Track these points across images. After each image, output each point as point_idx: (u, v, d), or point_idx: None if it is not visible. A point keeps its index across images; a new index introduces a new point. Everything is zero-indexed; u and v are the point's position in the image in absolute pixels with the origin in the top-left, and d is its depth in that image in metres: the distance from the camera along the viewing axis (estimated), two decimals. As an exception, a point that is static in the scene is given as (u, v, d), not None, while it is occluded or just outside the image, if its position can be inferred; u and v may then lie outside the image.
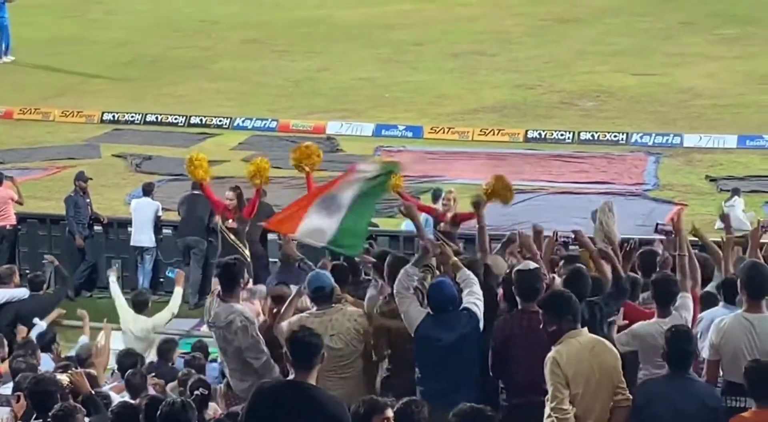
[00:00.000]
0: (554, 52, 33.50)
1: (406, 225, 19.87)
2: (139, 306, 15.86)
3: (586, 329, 8.74)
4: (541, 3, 39.10)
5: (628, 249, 12.18)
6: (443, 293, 10.08)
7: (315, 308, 10.41)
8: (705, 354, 9.38)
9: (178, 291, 15.35)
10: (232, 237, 18.03)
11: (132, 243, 20.90)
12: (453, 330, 9.72)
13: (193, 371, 12.14)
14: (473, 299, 10.03)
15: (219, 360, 11.84)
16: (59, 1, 40.72)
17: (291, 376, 7.97)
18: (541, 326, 8.79)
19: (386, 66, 32.62)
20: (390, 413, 7.87)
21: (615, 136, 27.40)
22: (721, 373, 9.08)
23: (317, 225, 10.68)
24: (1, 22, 33.89)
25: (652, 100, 29.57)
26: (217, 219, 18.91)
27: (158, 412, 8.67)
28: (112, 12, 39.17)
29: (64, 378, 10.81)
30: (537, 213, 20.39)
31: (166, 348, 13.97)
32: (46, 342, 14.34)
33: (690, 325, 9.60)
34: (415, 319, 9.84)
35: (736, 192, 21.85)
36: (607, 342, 8.86)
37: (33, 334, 13.74)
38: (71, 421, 8.77)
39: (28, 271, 17.81)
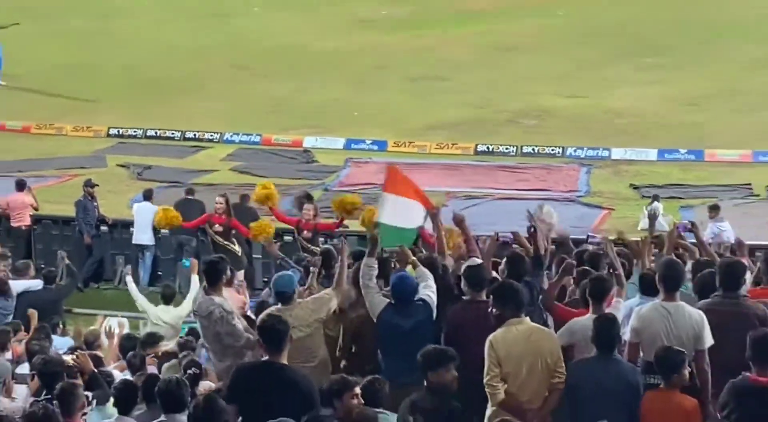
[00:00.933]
0: (500, 77, 33.57)
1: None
2: (168, 298, 15.79)
3: (528, 319, 8.83)
4: (488, 33, 39.19)
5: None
6: (405, 286, 10.17)
7: (279, 305, 10.37)
8: (627, 337, 9.34)
9: (195, 278, 15.23)
10: (219, 238, 18.06)
11: (134, 242, 20.90)
12: (410, 318, 9.74)
13: (186, 352, 12.15)
14: (428, 292, 10.07)
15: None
16: (72, 31, 40.40)
17: (264, 358, 8.32)
18: (489, 311, 8.93)
19: (354, 88, 32.66)
20: (358, 390, 8.12)
21: (552, 150, 27.56)
22: (642, 354, 9.11)
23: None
24: None
25: (584, 118, 29.75)
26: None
27: (156, 388, 8.70)
28: (117, 41, 38.96)
29: (69, 359, 10.83)
30: (485, 216, 20.44)
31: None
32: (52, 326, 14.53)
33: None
34: (378, 307, 9.94)
35: (656, 198, 21.99)
36: (546, 331, 9.04)
37: (58, 345, 13.69)
38: (71, 397, 8.73)
39: (43, 266, 17.77)
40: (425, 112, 30.34)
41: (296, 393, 8.15)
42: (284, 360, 8.49)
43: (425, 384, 8.77)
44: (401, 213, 10.82)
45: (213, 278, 10.45)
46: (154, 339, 12.83)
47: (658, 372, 8.48)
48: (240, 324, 10.06)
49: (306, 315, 10.26)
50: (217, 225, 18.65)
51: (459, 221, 12.36)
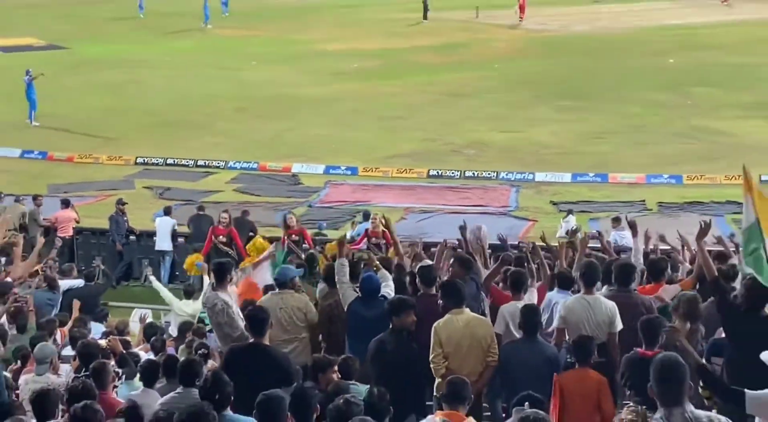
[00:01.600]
0: (447, 117, 33.65)
1: (349, 233, 19.95)
2: (189, 293, 16.02)
3: (467, 310, 9.03)
4: (439, 83, 39.28)
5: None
6: (371, 283, 10.39)
7: (277, 290, 10.64)
8: (555, 324, 9.72)
9: (206, 278, 15.22)
10: (222, 246, 18.06)
11: (156, 248, 20.87)
12: (374, 309, 9.81)
13: (196, 337, 12.21)
14: (388, 290, 10.38)
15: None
16: (107, 82, 40.18)
17: (251, 340, 8.71)
18: (437, 303, 9.30)
19: (333, 126, 32.70)
20: (335, 368, 8.57)
21: (489, 174, 27.41)
22: (567, 337, 9.30)
23: None
24: (31, 96, 33.18)
25: (514, 149, 29.74)
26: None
27: (178, 365, 8.77)
28: (143, 89, 38.85)
29: (103, 342, 10.90)
30: (436, 227, 20.46)
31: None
32: (101, 317, 14.49)
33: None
34: (348, 299, 10.12)
35: (570, 212, 22.11)
36: (482, 319, 9.33)
37: (95, 332, 13.69)
38: (104, 373, 8.79)
39: (83, 268, 17.68)
40: (388, 144, 30.34)
41: (276, 367, 8.30)
42: (266, 342, 8.77)
43: (390, 326, 9.20)
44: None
45: (220, 276, 10.52)
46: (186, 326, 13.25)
47: (573, 355, 8.55)
48: (238, 317, 10.04)
49: (294, 302, 10.29)
50: (221, 237, 18.73)
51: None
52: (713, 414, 6.03)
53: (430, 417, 7.58)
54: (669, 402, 5.76)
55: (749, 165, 23.01)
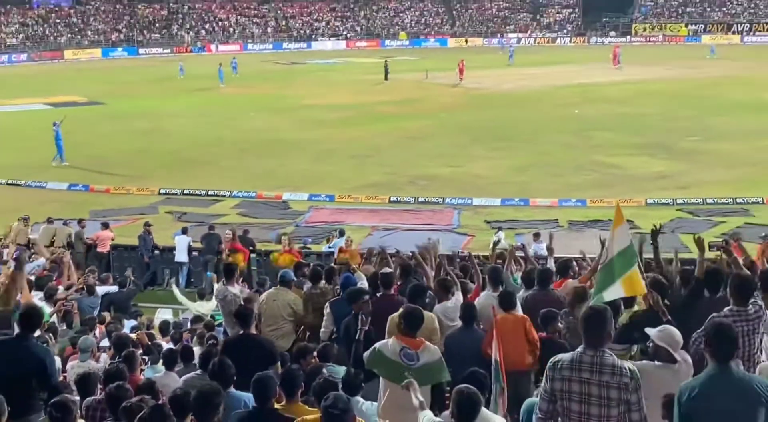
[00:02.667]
0: (405, 155, 33.66)
1: (326, 247, 19.95)
2: (202, 296, 16.14)
3: (420, 308, 8.00)
4: (398, 129, 39.37)
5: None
6: (349, 281, 10.63)
7: (279, 286, 10.69)
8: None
9: (216, 284, 15.27)
10: (229, 257, 17.93)
11: (175, 260, 20.78)
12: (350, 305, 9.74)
13: (206, 330, 12.30)
14: (361, 285, 10.45)
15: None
16: (136, 128, 40.13)
17: (241, 332, 8.70)
18: (396, 301, 9.16)
19: (314, 163, 32.73)
20: (315, 353, 8.49)
21: (437, 199, 27.23)
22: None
23: None
24: (58, 143, 32.85)
25: (456, 180, 29.74)
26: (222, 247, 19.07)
27: (191, 353, 8.84)
28: (165, 134, 38.74)
29: (133, 335, 10.94)
30: (394, 241, 20.23)
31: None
32: (133, 315, 14.54)
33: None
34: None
35: (500, 228, 22.06)
36: (430, 314, 8.65)
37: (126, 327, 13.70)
38: (132, 360, 8.80)
39: (117, 276, 17.58)
40: (358, 177, 30.29)
41: (263, 351, 8.27)
42: (253, 331, 8.86)
43: (352, 310, 9.09)
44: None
45: (229, 275, 10.68)
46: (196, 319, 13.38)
47: (500, 305, 8.78)
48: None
49: (288, 297, 10.40)
50: (227, 250, 18.74)
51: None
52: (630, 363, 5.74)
53: (391, 340, 7.38)
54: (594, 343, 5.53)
55: (637, 192, 22.71)
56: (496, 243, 19.09)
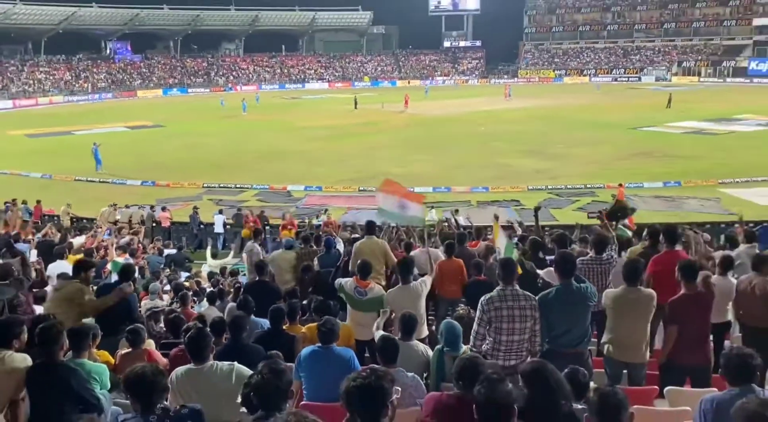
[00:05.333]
0: (369, 160, 33.43)
1: (317, 221, 19.76)
2: (215, 255, 16.22)
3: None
4: (364, 142, 39.12)
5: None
6: (330, 242, 10.35)
7: (283, 249, 10.38)
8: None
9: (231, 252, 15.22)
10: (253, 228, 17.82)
11: (215, 232, 20.64)
12: (330, 258, 9.66)
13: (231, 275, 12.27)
14: (339, 246, 10.51)
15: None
16: (186, 143, 39.59)
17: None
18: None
19: (308, 165, 32.45)
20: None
21: (390, 189, 27.21)
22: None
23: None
24: (97, 157, 32.36)
25: (403, 175, 29.29)
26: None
27: (223, 293, 8.70)
28: (206, 148, 38.31)
29: (186, 283, 10.81)
30: (362, 216, 20.17)
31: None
32: (187, 268, 14.53)
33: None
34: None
35: (432, 207, 21.90)
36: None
37: (182, 277, 13.49)
38: (186, 298, 9.09)
39: (176, 243, 17.56)
40: (338, 174, 30.16)
41: (274, 292, 8.28)
42: (266, 278, 8.48)
43: (332, 261, 8.99)
44: (393, 204, 9.42)
45: (257, 234, 10.54)
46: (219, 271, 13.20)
47: (445, 253, 8.70)
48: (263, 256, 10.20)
49: (289, 256, 10.02)
50: (251, 223, 18.65)
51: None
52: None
53: (351, 279, 7.12)
54: (510, 281, 5.48)
55: (522, 181, 22.46)
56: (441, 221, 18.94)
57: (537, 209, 11.89)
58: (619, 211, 11.02)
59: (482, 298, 5.46)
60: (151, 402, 3.62)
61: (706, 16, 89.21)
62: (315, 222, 19.86)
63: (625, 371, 5.93)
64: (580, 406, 3.64)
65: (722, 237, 11.97)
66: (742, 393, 3.54)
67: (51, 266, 9.71)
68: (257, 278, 8.47)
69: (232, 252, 16.94)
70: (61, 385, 4.28)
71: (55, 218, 20.82)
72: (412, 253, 9.09)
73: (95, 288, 7.51)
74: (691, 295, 5.94)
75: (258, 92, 78.06)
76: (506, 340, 5.34)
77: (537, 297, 5.64)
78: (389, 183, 9.81)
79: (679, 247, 7.61)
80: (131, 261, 12.02)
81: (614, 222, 10.46)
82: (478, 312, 5.48)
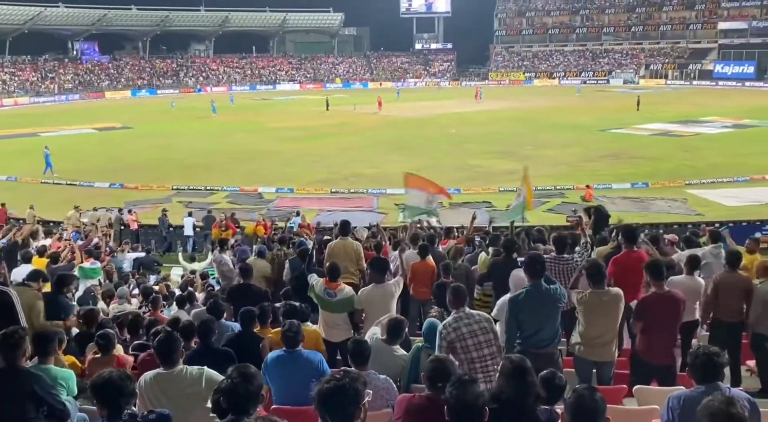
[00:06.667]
0: (341, 160, 33.50)
1: (290, 223, 19.62)
2: (192, 259, 15.81)
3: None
4: (336, 143, 39.12)
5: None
6: (303, 244, 10.58)
7: (256, 257, 10.25)
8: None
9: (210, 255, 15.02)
10: (223, 233, 17.67)
11: (184, 234, 20.41)
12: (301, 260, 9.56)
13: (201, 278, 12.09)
14: (309, 245, 10.09)
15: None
16: (155, 144, 39.20)
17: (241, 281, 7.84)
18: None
19: (279, 166, 32.29)
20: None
21: (363, 190, 27.19)
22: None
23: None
24: (48, 160, 31.14)
25: (376, 176, 29.61)
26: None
27: (193, 297, 8.58)
28: (176, 148, 37.98)
29: (156, 287, 10.67)
30: (334, 218, 20.13)
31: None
32: (156, 271, 14.22)
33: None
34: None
35: (404, 208, 21.92)
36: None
37: (150, 281, 13.29)
38: (156, 302, 8.77)
39: (144, 246, 17.30)
40: (310, 175, 30.03)
41: (257, 295, 8.22)
42: (250, 282, 8.24)
43: (302, 264, 8.71)
44: (419, 199, 9.47)
45: (222, 245, 10.35)
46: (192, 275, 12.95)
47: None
48: (233, 269, 9.96)
49: (262, 266, 9.94)
50: (222, 226, 18.48)
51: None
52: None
53: (321, 281, 7.13)
54: (458, 304, 5.45)
55: (493, 183, 22.72)
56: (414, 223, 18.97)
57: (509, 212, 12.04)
58: (600, 221, 11.10)
59: (439, 327, 5.37)
60: (118, 408, 3.56)
61: (673, 20, 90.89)
62: (289, 224, 19.74)
63: (594, 370, 6.00)
64: (556, 408, 3.67)
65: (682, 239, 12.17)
66: (708, 391, 3.58)
67: (15, 270, 9.50)
68: (242, 281, 8.37)
69: (210, 256, 16.81)
70: (24, 391, 4.21)
71: (21, 221, 20.40)
72: (405, 255, 9.18)
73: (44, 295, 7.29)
74: (661, 295, 5.99)
75: (231, 93, 77.95)
76: (478, 357, 5.22)
77: (507, 298, 5.68)
78: (414, 179, 9.74)
79: (646, 247, 7.72)
80: (98, 265, 11.82)
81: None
82: (437, 341, 5.29)
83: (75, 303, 8.66)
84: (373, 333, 5.75)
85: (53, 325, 6.47)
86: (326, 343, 6.59)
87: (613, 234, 8.61)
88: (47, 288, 7.44)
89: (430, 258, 8.94)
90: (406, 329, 5.83)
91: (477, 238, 11.92)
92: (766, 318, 7.00)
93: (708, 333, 7.47)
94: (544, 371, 3.95)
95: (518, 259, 8.32)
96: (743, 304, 7.04)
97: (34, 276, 7.18)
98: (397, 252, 9.47)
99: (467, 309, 5.41)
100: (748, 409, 3.33)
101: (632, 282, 6.16)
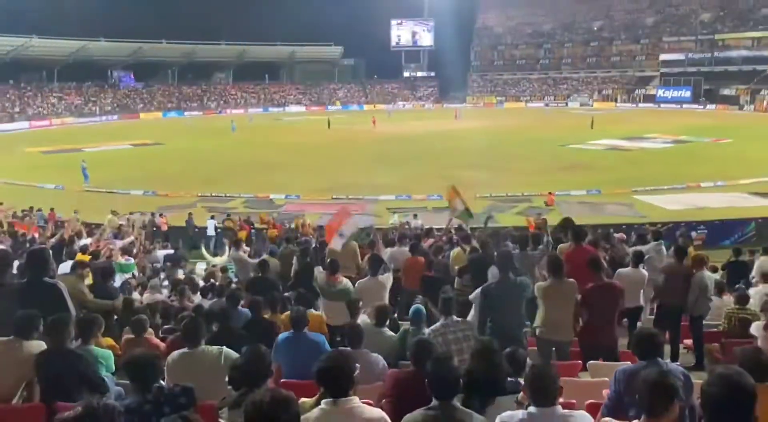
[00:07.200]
0: (340, 171, 33.18)
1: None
2: (215, 254, 15.76)
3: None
4: (337, 155, 38.92)
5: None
6: (308, 243, 10.52)
7: (268, 255, 10.15)
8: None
9: (226, 251, 14.93)
10: (238, 233, 17.56)
11: (207, 234, 20.31)
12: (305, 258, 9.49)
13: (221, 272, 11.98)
14: (313, 244, 10.46)
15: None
16: (182, 157, 38.86)
17: (259, 274, 7.69)
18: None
19: (289, 176, 31.95)
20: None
21: (359, 196, 27.02)
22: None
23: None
24: (84, 172, 31.05)
25: (370, 185, 29.48)
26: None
27: (215, 287, 8.49)
28: (201, 160, 37.56)
29: (182, 278, 10.50)
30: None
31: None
32: (182, 266, 13.97)
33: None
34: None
35: (394, 212, 22.10)
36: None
37: (179, 274, 13.11)
38: (184, 293, 8.64)
39: (173, 244, 17.20)
40: (314, 184, 29.78)
41: (273, 285, 8.25)
42: (269, 275, 8.27)
43: (308, 259, 8.71)
44: (461, 206, 9.77)
45: (237, 245, 10.28)
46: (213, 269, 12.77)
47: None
48: (249, 263, 9.91)
49: (274, 264, 9.69)
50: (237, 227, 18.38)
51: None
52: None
53: (323, 273, 7.10)
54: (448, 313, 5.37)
55: (471, 190, 22.59)
56: (402, 223, 18.95)
57: (488, 218, 12.14)
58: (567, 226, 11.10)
59: (428, 330, 5.29)
60: (148, 382, 3.57)
61: (622, 52, 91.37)
62: (292, 225, 19.72)
63: (554, 349, 6.02)
64: (519, 380, 3.68)
65: (633, 234, 12.24)
66: (648, 366, 3.60)
67: (62, 266, 9.44)
68: (260, 274, 8.34)
69: (228, 252, 16.74)
70: (69, 369, 4.20)
71: (66, 223, 20.30)
72: (388, 251, 9.23)
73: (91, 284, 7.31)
74: (601, 285, 6.03)
75: (251, 114, 78.30)
76: (459, 360, 5.09)
77: (480, 288, 5.69)
78: (455, 191, 9.89)
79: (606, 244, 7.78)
80: (132, 261, 11.78)
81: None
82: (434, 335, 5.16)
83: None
84: (363, 320, 5.78)
85: (104, 305, 6.54)
86: (328, 327, 6.61)
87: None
88: (89, 275, 7.43)
89: (419, 255, 9.04)
90: (395, 315, 5.85)
91: (454, 237, 11.94)
92: (701, 302, 7.08)
93: (652, 316, 7.52)
94: (509, 348, 3.98)
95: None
96: (685, 290, 7.13)
97: (76, 266, 7.23)
98: (387, 249, 9.56)
99: (454, 318, 5.36)
100: (681, 381, 3.38)
101: (580, 274, 6.20)
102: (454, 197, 9.44)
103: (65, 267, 8.99)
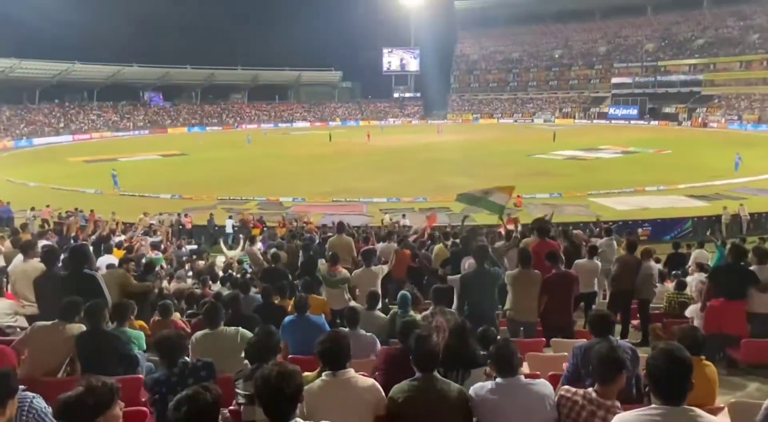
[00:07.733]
0: (340, 177, 32.95)
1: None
2: (231, 249, 15.42)
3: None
4: (337, 166, 38.53)
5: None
6: (312, 239, 10.20)
7: (277, 250, 9.78)
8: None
9: (241, 246, 14.75)
10: (252, 230, 17.35)
11: (226, 232, 20.13)
12: (311, 251, 9.39)
13: (237, 264, 11.80)
14: (316, 242, 9.98)
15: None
16: (206, 166, 38.43)
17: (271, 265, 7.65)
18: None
19: (295, 181, 31.66)
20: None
21: (356, 199, 26.86)
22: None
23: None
24: (115, 179, 30.47)
25: (366, 189, 29.35)
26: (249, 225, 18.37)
27: (232, 278, 8.39)
28: (221, 168, 37.27)
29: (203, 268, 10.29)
30: (335, 220, 20.09)
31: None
32: (206, 258, 13.84)
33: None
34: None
35: (387, 212, 21.82)
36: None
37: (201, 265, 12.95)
38: (206, 282, 8.56)
39: (196, 240, 17.02)
40: (317, 188, 29.56)
41: (284, 275, 7.93)
42: (280, 266, 8.10)
43: (310, 252, 8.49)
44: (502, 199, 8.50)
45: (252, 240, 10.18)
46: (230, 261, 12.60)
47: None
48: (261, 256, 9.83)
49: (283, 257, 9.47)
50: (252, 226, 18.16)
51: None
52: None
53: (325, 265, 7.00)
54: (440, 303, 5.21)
55: (453, 194, 22.44)
56: (393, 222, 18.84)
57: (465, 217, 12.09)
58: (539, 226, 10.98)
59: (418, 316, 5.10)
60: (174, 358, 3.56)
61: (579, 76, 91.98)
62: (297, 224, 19.64)
63: (522, 328, 6.04)
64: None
65: (587, 231, 12.28)
66: (601, 342, 3.61)
67: (100, 259, 9.36)
68: (273, 266, 8.30)
69: (240, 246, 16.60)
70: (106, 347, 4.19)
71: (104, 223, 20.13)
72: (379, 246, 9.19)
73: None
74: (558, 274, 6.09)
75: (266, 129, 78.17)
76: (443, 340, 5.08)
77: (459, 277, 5.69)
78: (509, 190, 8.90)
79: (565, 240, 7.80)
80: (161, 256, 11.69)
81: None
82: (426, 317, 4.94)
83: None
84: (357, 305, 5.80)
85: (143, 287, 6.75)
86: (330, 310, 6.59)
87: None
88: (134, 268, 7.46)
89: (406, 249, 9.05)
90: (387, 299, 5.85)
91: (436, 233, 11.95)
92: (647, 288, 7.15)
93: (605, 300, 7.56)
94: (481, 327, 4.00)
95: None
96: (635, 278, 7.19)
97: (123, 261, 7.30)
98: (378, 244, 9.58)
99: (444, 308, 5.25)
100: (629, 355, 3.41)
101: (543, 264, 6.24)
102: (506, 192, 8.63)
103: (103, 260, 8.93)
